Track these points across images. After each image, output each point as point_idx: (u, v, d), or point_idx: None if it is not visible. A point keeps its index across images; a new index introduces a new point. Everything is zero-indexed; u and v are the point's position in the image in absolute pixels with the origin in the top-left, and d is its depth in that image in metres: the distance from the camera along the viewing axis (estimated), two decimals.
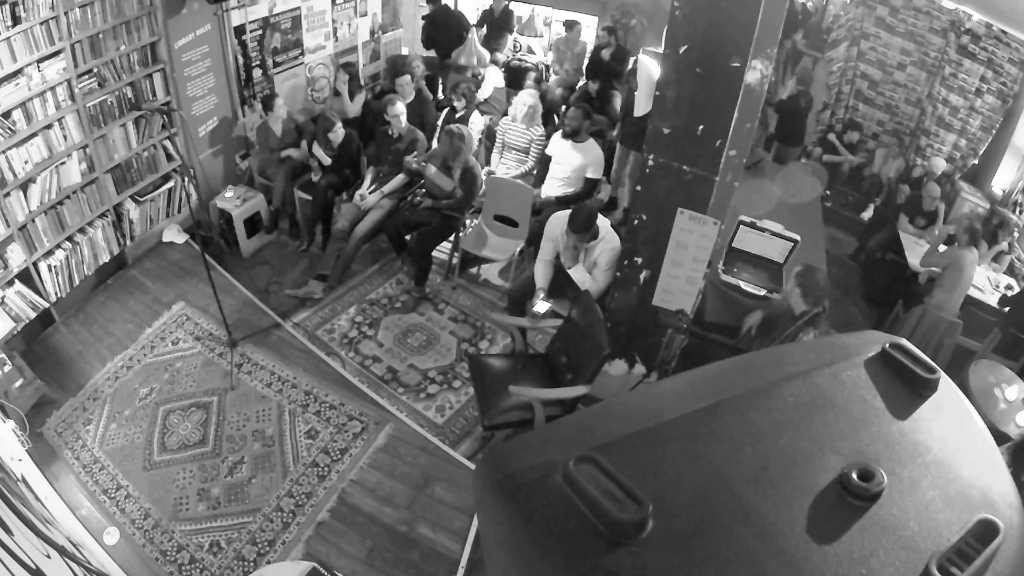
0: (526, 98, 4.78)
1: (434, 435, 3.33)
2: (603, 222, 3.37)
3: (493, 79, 5.71)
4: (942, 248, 4.25)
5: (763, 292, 3.56)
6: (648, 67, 4.62)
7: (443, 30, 6.18)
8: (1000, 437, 3.17)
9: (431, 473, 3.13)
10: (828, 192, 5.89)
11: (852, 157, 5.94)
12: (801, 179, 5.83)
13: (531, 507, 0.84)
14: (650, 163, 2.85)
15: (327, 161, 4.48)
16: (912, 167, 5.69)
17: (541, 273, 3.54)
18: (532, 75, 5.98)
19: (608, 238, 3.33)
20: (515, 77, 6.06)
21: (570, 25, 6.39)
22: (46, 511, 2.62)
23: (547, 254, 3.53)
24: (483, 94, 5.56)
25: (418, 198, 4.15)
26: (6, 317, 3.45)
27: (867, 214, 5.66)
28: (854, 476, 0.84)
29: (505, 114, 5.05)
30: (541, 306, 3.42)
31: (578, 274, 3.39)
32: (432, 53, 6.55)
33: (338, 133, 4.41)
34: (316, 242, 4.62)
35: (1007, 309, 4.25)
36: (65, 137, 3.62)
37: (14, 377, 3.23)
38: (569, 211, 3.32)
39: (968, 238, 4.22)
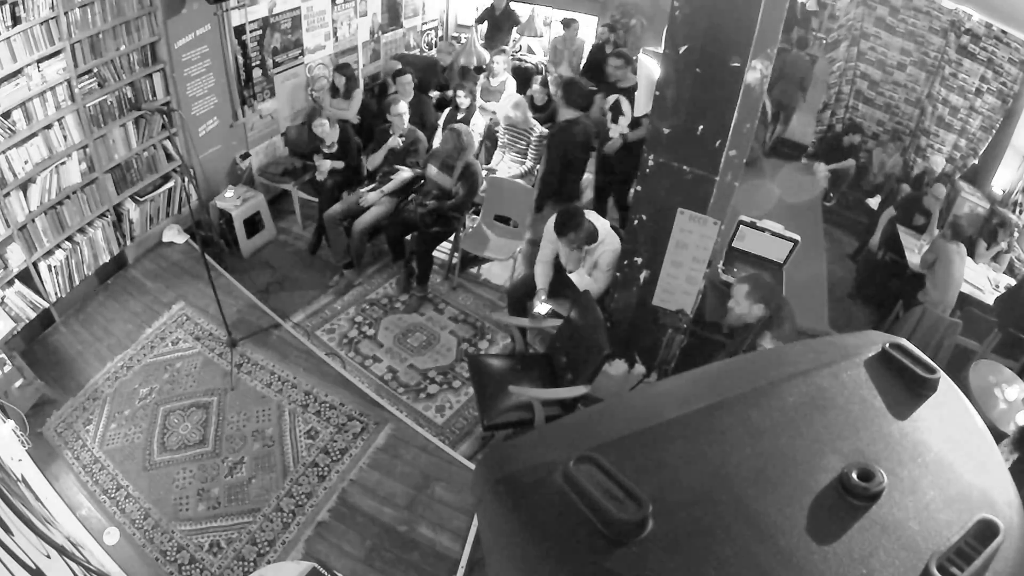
0: (506, 111, 4.82)
1: (434, 435, 3.33)
2: (602, 224, 3.37)
3: (509, 86, 5.65)
4: (927, 246, 4.27)
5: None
6: (648, 67, 4.61)
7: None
8: (1000, 436, 3.17)
9: (431, 473, 3.13)
10: (832, 195, 5.90)
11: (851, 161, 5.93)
12: (801, 179, 5.84)
13: (531, 507, 0.84)
14: (650, 163, 2.85)
15: (326, 169, 4.46)
16: (912, 166, 5.70)
17: (541, 274, 3.54)
18: (539, 78, 5.96)
19: (608, 240, 3.32)
20: (517, 78, 6.05)
21: (567, 23, 6.38)
22: (46, 511, 2.62)
23: (547, 255, 3.53)
24: (495, 81, 5.53)
25: (422, 197, 4.14)
26: (6, 317, 3.45)
27: (873, 201, 5.65)
28: (854, 476, 0.84)
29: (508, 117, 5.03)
30: (542, 307, 3.42)
31: (579, 279, 3.41)
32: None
33: (325, 126, 4.36)
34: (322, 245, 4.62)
35: (1000, 309, 4.26)
36: (65, 137, 3.61)
37: (14, 377, 3.23)
38: None
39: (952, 232, 4.23)
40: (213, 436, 3.27)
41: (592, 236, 3.29)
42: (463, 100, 5.20)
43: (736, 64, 2.46)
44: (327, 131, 4.39)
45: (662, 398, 1.07)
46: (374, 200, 4.30)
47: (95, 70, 3.67)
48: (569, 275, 3.44)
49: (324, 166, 4.46)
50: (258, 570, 2.61)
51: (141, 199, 4.23)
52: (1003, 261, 4.84)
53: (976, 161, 5.64)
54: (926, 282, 4.25)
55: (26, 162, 3.43)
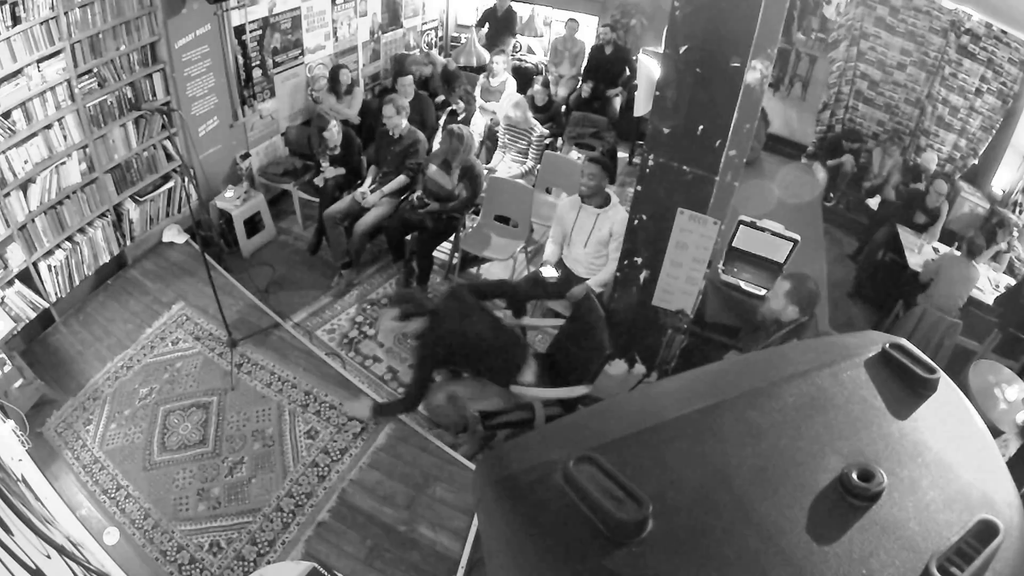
0: (507, 110, 4.82)
1: (434, 435, 3.33)
2: (613, 194, 3.56)
3: (509, 86, 5.64)
4: (933, 257, 4.26)
5: (763, 292, 3.56)
6: (648, 67, 4.62)
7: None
8: (999, 434, 3.17)
9: (431, 473, 3.13)
10: (832, 195, 5.90)
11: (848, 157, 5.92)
12: (801, 179, 5.83)
13: (531, 507, 0.84)
14: (650, 163, 2.85)
15: (330, 175, 4.48)
16: (912, 166, 5.70)
17: (551, 251, 3.67)
18: (539, 78, 5.97)
19: (620, 208, 3.49)
20: (518, 79, 6.06)
21: (568, 23, 6.38)
22: (46, 511, 2.62)
23: (557, 236, 3.66)
24: (495, 81, 5.53)
25: (421, 199, 4.15)
26: (6, 317, 3.45)
27: (873, 201, 5.65)
28: (854, 476, 0.84)
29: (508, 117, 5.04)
30: (548, 271, 3.56)
31: (593, 280, 3.50)
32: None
33: (333, 132, 4.40)
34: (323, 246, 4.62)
35: (1000, 309, 4.26)
36: (65, 137, 3.61)
37: (14, 377, 3.23)
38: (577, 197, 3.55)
39: (967, 250, 4.21)
40: (213, 436, 3.27)
41: (606, 198, 3.51)
42: (458, 105, 5.20)
43: (736, 64, 2.46)
44: (333, 135, 4.41)
45: (662, 398, 1.07)
46: (375, 201, 4.31)
47: (95, 70, 3.67)
48: (586, 281, 3.52)
49: (329, 172, 4.47)
50: (258, 570, 2.61)
51: (141, 199, 4.22)
52: (1003, 261, 4.84)
53: (976, 161, 5.64)
54: (931, 286, 4.23)
55: (26, 162, 3.43)
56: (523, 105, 4.85)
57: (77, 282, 3.90)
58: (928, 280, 4.26)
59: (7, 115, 3.27)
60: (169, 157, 4.33)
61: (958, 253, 4.29)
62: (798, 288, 2.72)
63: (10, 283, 3.53)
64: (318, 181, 4.52)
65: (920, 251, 4.61)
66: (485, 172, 4.46)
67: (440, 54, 6.86)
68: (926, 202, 4.90)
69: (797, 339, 2.67)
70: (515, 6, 6.84)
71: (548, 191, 4.84)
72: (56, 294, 3.77)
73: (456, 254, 4.41)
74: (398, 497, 3.01)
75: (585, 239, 3.53)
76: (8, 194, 3.36)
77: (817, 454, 0.90)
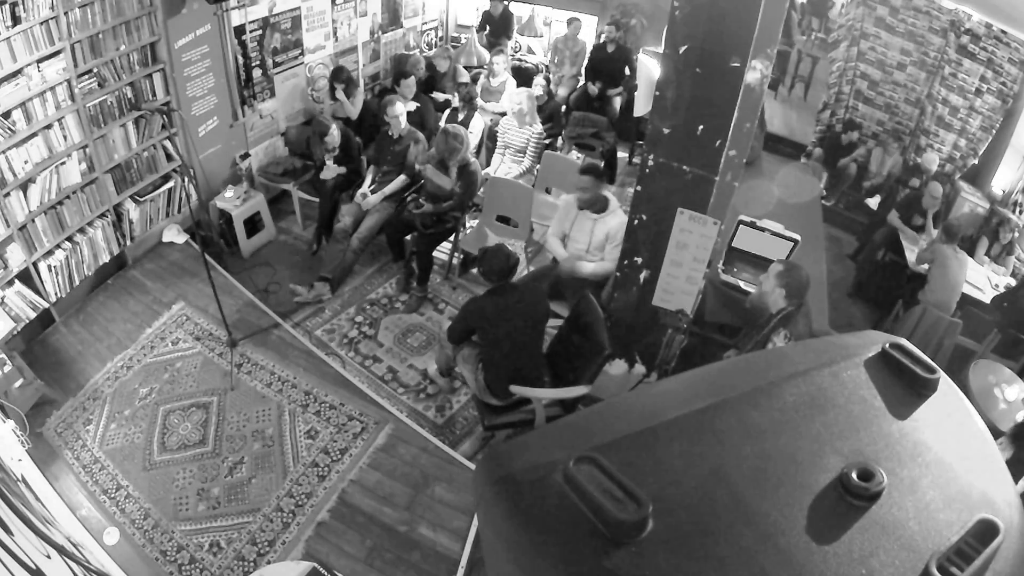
0: (520, 96, 4.79)
1: (434, 435, 3.33)
2: (612, 198, 3.54)
3: (509, 84, 5.65)
4: (925, 243, 4.28)
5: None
6: (648, 67, 4.63)
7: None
8: (999, 434, 3.17)
9: (431, 473, 3.13)
10: (832, 197, 5.90)
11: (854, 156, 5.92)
12: (801, 179, 5.83)
13: (531, 507, 0.84)
14: (650, 163, 2.85)
15: (332, 173, 4.49)
16: (912, 166, 5.70)
17: (556, 246, 3.69)
18: (540, 78, 5.97)
19: (618, 212, 3.49)
20: (519, 78, 6.05)
21: (570, 22, 6.38)
22: (46, 511, 2.62)
23: (557, 232, 3.70)
24: (495, 81, 5.54)
25: (420, 201, 4.15)
26: (6, 317, 3.45)
27: (873, 201, 5.66)
28: (854, 476, 0.84)
29: (504, 114, 5.06)
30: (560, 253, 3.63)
31: (589, 267, 3.53)
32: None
33: (334, 136, 4.42)
34: (323, 245, 4.62)
35: (1004, 305, 4.26)
36: (65, 137, 3.61)
37: (14, 377, 3.23)
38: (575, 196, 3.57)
39: (946, 236, 4.24)
40: (213, 436, 3.27)
41: (604, 203, 3.49)
42: (455, 98, 5.21)
43: (736, 64, 2.46)
44: (334, 139, 4.42)
45: (662, 398, 1.07)
46: (375, 202, 4.31)
47: (95, 70, 3.67)
48: (581, 267, 3.54)
49: (331, 171, 4.48)
50: (258, 570, 2.61)
51: (141, 199, 4.22)
52: (1008, 265, 4.82)
53: (976, 161, 5.64)
54: (928, 280, 4.25)
55: (26, 162, 3.43)
56: (534, 99, 4.85)
57: (77, 282, 3.90)
58: (921, 268, 4.27)
59: (7, 115, 3.27)
60: (169, 157, 4.33)
61: (944, 245, 4.30)
62: (789, 272, 2.72)
63: (10, 283, 3.53)
64: (324, 175, 4.53)
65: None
66: (482, 170, 4.46)
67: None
68: (922, 203, 4.91)
69: (784, 328, 2.66)
70: (513, 7, 6.84)
71: (548, 191, 4.84)
72: (56, 294, 3.77)
73: (456, 254, 4.41)
74: (398, 497, 3.01)
75: (587, 243, 3.56)
76: (8, 194, 3.37)
77: (817, 454, 0.90)
